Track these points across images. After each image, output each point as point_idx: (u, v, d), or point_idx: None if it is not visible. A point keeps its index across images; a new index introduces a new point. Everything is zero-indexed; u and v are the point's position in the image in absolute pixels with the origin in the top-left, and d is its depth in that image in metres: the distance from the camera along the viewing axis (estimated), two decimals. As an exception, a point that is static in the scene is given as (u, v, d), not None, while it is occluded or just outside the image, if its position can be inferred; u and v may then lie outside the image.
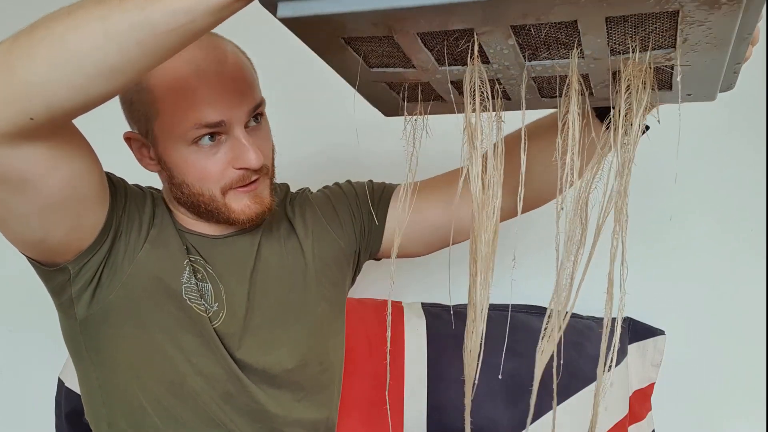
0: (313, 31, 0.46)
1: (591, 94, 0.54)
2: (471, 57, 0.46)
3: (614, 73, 0.49)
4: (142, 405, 0.70)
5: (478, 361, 0.50)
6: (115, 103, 0.60)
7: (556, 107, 0.56)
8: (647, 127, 0.64)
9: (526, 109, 0.52)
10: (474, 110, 0.48)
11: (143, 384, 0.70)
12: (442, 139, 0.62)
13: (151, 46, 0.46)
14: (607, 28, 0.42)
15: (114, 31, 0.45)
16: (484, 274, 0.49)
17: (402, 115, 0.62)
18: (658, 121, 0.56)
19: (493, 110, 0.49)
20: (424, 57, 0.49)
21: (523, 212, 0.52)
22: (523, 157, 0.50)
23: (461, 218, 0.54)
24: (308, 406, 0.78)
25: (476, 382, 0.51)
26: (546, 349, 0.48)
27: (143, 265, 0.68)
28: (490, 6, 0.40)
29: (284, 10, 0.43)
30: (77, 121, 0.55)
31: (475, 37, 0.45)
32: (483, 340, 0.50)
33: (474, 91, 0.48)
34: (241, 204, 0.69)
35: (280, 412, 0.75)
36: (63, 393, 1.16)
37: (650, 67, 0.45)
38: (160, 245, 0.70)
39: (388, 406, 0.55)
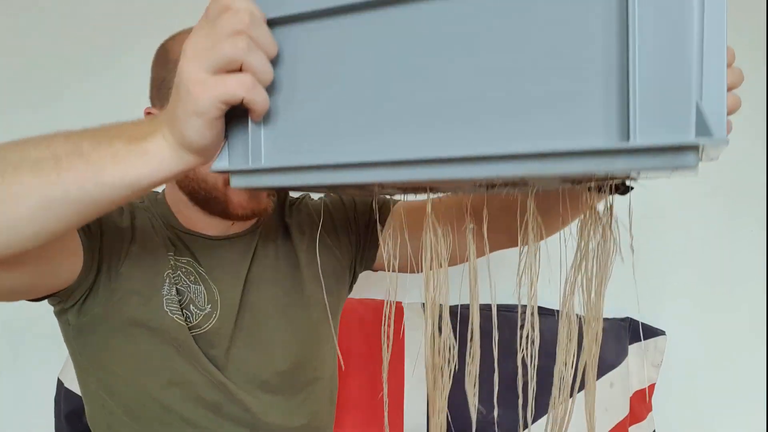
0: None
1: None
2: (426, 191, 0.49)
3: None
4: (136, 409, 0.70)
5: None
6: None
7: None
8: (630, 188, 0.58)
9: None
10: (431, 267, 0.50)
11: (135, 390, 0.70)
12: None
13: (93, 213, 0.46)
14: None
15: (52, 205, 0.44)
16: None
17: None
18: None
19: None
20: (379, 187, 0.51)
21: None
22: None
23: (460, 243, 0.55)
24: (304, 413, 0.78)
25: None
26: (569, 350, 0.48)
27: (125, 279, 0.67)
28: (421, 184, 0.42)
29: (237, 181, 0.45)
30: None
31: (429, 194, 0.48)
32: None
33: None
34: (241, 198, 0.69)
35: (273, 420, 0.74)
36: (62, 393, 1.15)
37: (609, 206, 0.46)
38: (140, 260, 0.69)
39: (385, 408, 0.55)
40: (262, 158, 0.44)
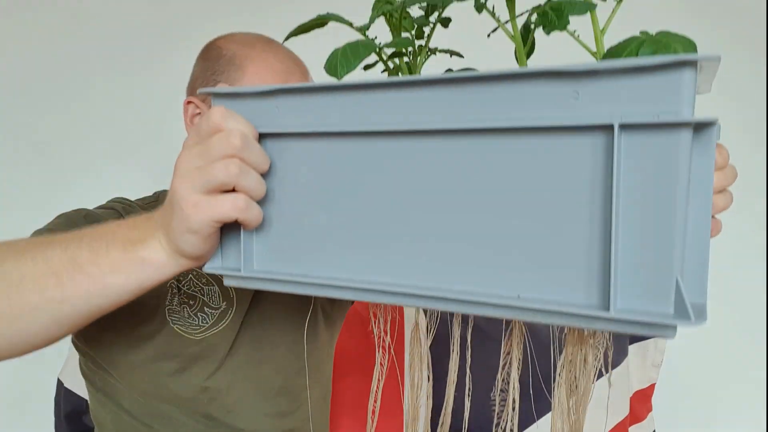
0: None
1: None
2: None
3: None
4: (136, 412, 0.70)
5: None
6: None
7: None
8: None
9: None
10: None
11: (134, 395, 0.70)
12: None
13: (101, 314, 0.48)
14: None
15: (61, 318, 0.46)
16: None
17: None
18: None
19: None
20: None
21: None
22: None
23: None
24: (299, 416, 0.78)
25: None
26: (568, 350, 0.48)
27: None
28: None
29: (230, 281, 0.47)
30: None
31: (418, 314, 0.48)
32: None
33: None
34: None
35: (270, 425, 0.74)
36: (62, 393, 1.16)
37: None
38: None
39: (369, 410, 0.55)
40: (253, 264, 0.46)
